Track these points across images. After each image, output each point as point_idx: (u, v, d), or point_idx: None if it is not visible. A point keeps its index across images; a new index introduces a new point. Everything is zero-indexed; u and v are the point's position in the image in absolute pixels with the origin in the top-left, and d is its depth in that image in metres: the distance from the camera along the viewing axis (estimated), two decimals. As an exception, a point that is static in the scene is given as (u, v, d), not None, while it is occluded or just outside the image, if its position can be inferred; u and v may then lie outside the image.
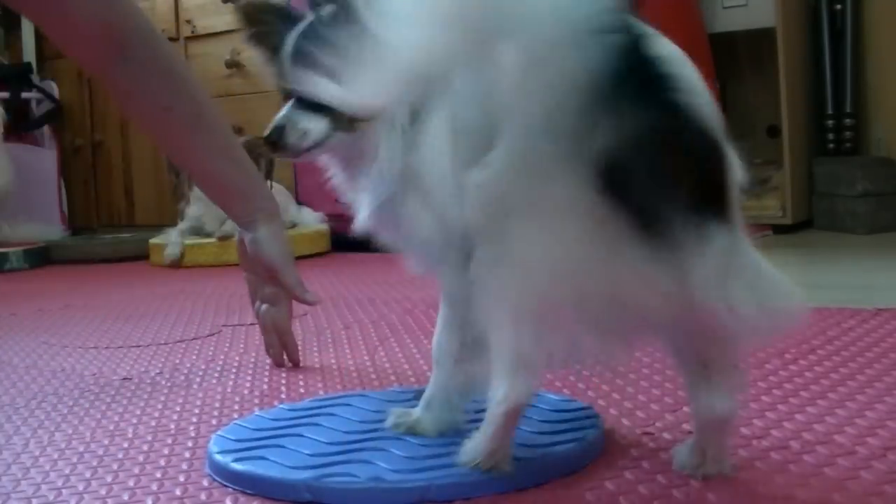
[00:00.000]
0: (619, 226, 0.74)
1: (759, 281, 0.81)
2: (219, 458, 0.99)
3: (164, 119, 1.41)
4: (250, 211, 1.43)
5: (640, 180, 0.73)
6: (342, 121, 0.96)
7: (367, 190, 0.98)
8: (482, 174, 0.78)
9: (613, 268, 0.75)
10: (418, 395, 1.16)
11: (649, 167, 0.73)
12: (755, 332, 0.81)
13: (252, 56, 1.04)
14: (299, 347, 1.54)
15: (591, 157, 0.72)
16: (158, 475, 1.01)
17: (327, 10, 0.96)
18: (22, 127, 4.15)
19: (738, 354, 0.87)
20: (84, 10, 1.34)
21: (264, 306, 1.48)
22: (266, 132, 0.99)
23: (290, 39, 0.98)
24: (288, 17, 1.00)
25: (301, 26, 0.98)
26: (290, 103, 0.99)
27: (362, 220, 1.00)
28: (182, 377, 1.47)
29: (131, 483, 0.99)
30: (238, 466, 0.96)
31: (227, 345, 1.71)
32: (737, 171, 0.80)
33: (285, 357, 1.50)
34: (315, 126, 0.97)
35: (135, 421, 1.23)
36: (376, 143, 0.95)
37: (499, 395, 0.82)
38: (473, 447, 0.87)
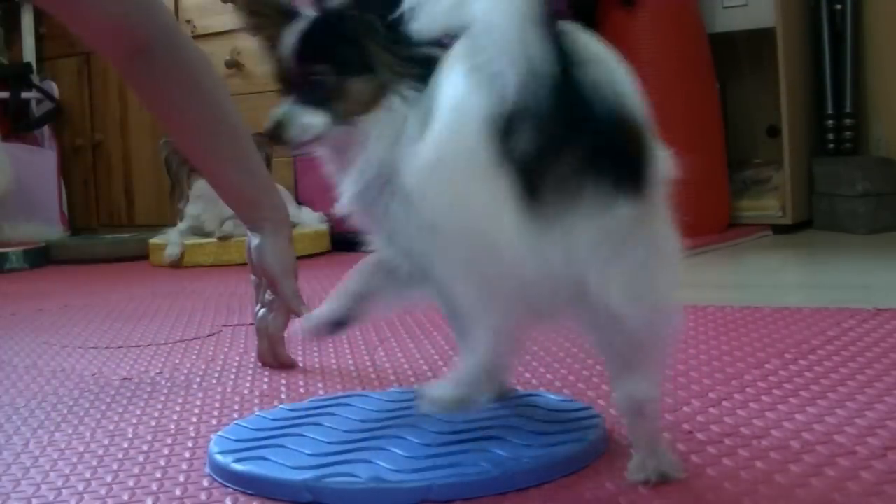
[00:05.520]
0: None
1: (639, 269, 0.82)
2: (219, 458, 0.99)
3: (178, 121, 1.43)
4: (256, 218, 1.44)
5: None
6: (341, 114, 0.99)
7: (351, 175, 1.01)
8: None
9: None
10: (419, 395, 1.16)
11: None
12: (623, 321, 0.83)
13: (252, 48, 1.06)
14: (299, 348, 1.54)
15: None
16: (158, 475, 1.01)
17: (333, 5, 0.98)
18: (22, 127, 4.15)
19: (649, 344, 0.86)
20: (101, 7, 1.35)
21: (262, 311, 1.49)
22: (267, 126, 1.01)
23: (292, 35, 0.99)
24: (289, 12, 1.01)
25: (304, 22, 0.99)
26: (290, 98, 1.00)
27: (343, 203, 1.03)
28: (182, 377, 1.47)
29: (131, 483, 0.99)
30: (238, 467, 0.96)
31: (227, 345, 1.71)
32: (660, 161, 0.82)
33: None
34: (315, 121, 0.99)
35: (135, 421, 1.23)
36: (368, 134, 0.98)
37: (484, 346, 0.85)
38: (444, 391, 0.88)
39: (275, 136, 1.01)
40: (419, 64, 0.94)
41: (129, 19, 1.36)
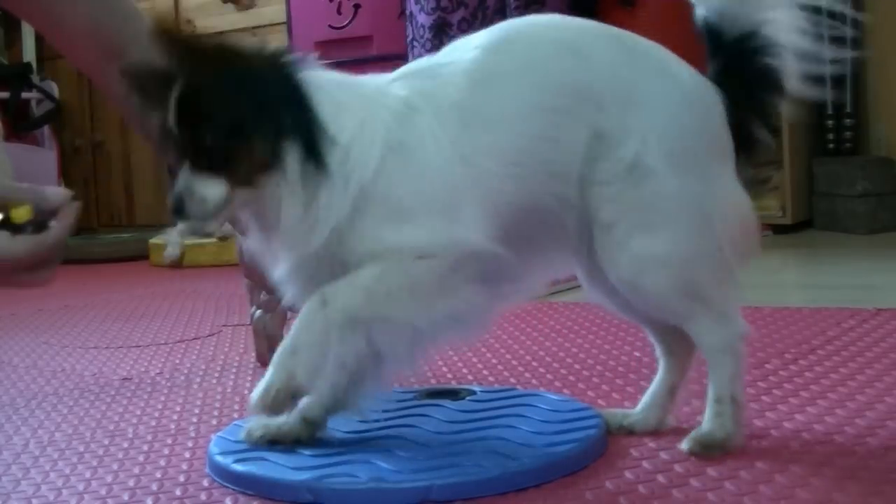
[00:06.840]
0: None
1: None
2: (219, 459, 0.99)
3: None
4: None
5: None
6: (240, 177, 0.90)
7: (285, 246, 0.92)
8: None
9: None
10: (418, 395, 1.16)
11: None
12: None
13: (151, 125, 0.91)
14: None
15: None
16: (158, 475, 1.01)
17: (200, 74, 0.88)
18: (22, 127, 4.14)
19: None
20: (76, 12, 1.33)
21: (258, 312, 1.49)
22: (170, 203, 0.91)
23: (170, 105, 0.88)
24: (170, 76, 0.89)
25: (175, 91, 0.88)
26: (184, 168, 0.90)
27: (282, 276, 0.94)
28: (182, 377, 1.47)
29: (131, 483, 0.99)
30: (239, 467, 0.96)
31: (227, 345, 1.71)
32: None
33: None
34: (212, 191, 0.89)
35: (135, 421, 1.23)
36: (277, 196, 0.90)
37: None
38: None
39: (178, 212, 0.90)
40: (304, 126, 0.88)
41: (98, 23, 1.34)
